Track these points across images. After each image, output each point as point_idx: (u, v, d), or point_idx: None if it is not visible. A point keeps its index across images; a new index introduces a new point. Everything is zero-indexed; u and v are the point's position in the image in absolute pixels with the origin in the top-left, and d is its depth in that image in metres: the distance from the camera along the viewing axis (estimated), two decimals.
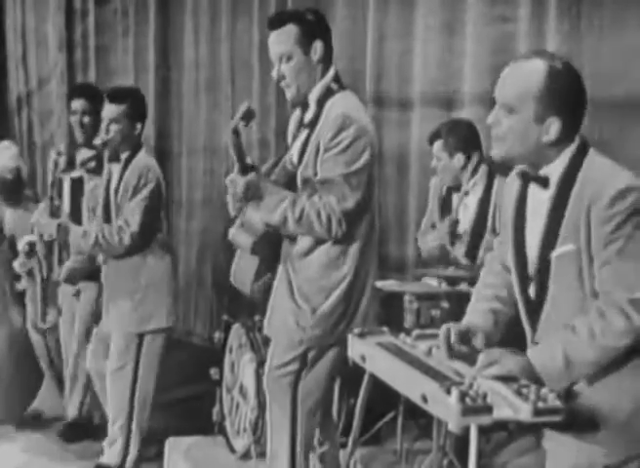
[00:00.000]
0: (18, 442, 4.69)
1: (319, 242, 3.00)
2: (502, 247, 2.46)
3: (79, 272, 4.48)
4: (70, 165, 4.53)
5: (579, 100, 2.23)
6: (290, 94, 3.06)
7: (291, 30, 2.99)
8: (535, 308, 2.28)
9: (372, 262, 3.09)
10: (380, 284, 3.88)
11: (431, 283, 3.92)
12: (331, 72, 3.05)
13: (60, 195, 4.48)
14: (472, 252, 3.96)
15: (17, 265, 4.61)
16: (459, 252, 3.99)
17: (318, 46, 3.00)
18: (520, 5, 4.11)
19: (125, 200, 4.03)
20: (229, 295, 5.82)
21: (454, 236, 3.98)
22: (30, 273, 4.64)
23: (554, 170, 2.22)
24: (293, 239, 3.06)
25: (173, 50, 6.76)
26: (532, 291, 2.29)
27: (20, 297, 4.98)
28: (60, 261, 4.48)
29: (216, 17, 6.31)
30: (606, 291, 2.12)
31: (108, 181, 4.19)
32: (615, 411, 2.14)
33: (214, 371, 4.19)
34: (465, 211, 4.02)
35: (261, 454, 3.64)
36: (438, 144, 3.97)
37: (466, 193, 3.99)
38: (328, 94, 3.02)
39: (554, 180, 2.22)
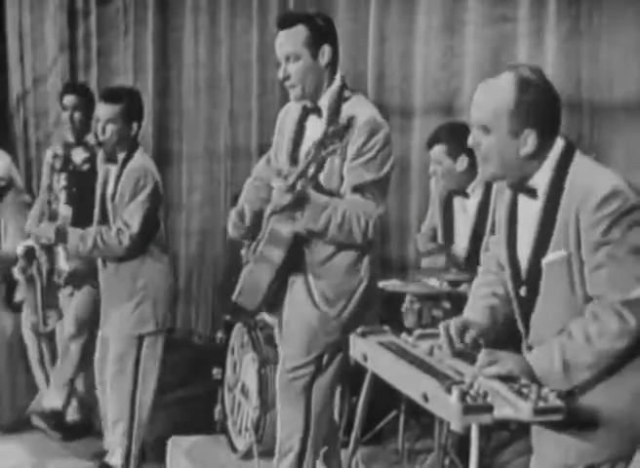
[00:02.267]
0: (18, 441, 4.69)
1: (340, 249, 3.05)
2: (497, 247, 2.48)
3: (81, 274, 4.48)
4: (65, 165, 4.50)
5: (552, 109, 2.23)
6: (294, 94, 3.07)
7: (300, 32, 3.01)
8: (527, 310, 2.31)
9: (376, 264, 3.16)
10: (381, 284, 3.89)
11: (433, 283, 3.92)
12: (338, 77, 3.07)
13: (57, 198, 4.46)
14: (473, 254, 3.97)
15: (16, 271, 4.60)
16: (459, 251, 4.01)
17: (326, 50, 3.02)
18: (520, 5, 4.11)
19: (122, 202, 3.99)
20: (230, 295, 5.81)
21: (451, 261, 3.99)
22: (30, 278, 4.63)
23: (541, 179, 2.24)
24: (311, 247, 3.08)
25: (172, 49, 6.76)
26: (524, 293, 2.31)
27: (11, 302, 4.96)
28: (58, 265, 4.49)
29: (215, 16, 6.31)
30: (599, 294, 2.14)
31: (105, 182, 4.15)
32: (609, 411, 2.15)
33: (216, 371, 4.19)
34: (465, 213, 4.02)
35: (263, 454, 3.65)
36: (439, 149, 3.93)
37: (467, 196, 3.99)
38: (340, 99, 3.04)
39: (542, 190, 2.24)
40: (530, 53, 4.02)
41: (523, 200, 2.31)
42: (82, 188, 4.40)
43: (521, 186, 2.28)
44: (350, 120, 2.90)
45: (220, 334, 4.19)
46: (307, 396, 3.12)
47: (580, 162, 2.23)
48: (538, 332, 2.27)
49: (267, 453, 3.56)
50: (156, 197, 4.05)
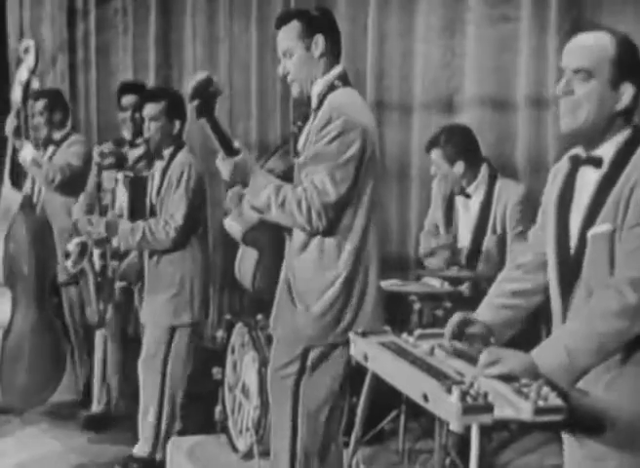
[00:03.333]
0: (20, 438, 4.73)
1: (311, 237, 2.97)
2: (538, 235, 2.41)
3: (135, 270, 4.53)
4: (120, 164, 4.55)
5: None
6: (294, 90, 3.07)
7: (294, 26, 3.00)
8: (568, 289, 2.23)
9: (372, 262, 3.03)
10: (382, 284, 3.89)
11: (434, 283, 3.93)
12: (337, 69, 3.04)
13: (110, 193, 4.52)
14: (474, 252, 3.97)
15: (69, 265, 4.65)
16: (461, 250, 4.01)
17: (319, 40, 3.00)
18: (521, 5, 4.11)
19: (169, 195, 4.16)
20: (230, 295, 5.82)
21: (454, 258, 3.99)
22: (82, 272, 4.69)
23: (608, 150, 2.19)
24: (292, 236, 3.04)
25: (173, 49, 6.77)
26: (569, 273, 2.23)
27: (56, 289, 5.07)
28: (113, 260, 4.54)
29: (215, 16, 6.31)
30: (616, 270, 2.09)
31: (152, 178, 4.31)
32: (625, 414, 2.11)
33: (216, 371, 4.20)
34: (467, 212, 4.02)
35: (264, 454, 3.65)
36: (436, 153, 3.95)
37: (468, 196, 3.99)
38: (330, 90, 3.02)
39: (607, 161, 2.18)
40: (531, 53, 4.02)
41: (582, 174, 2.25)
42: (137, 187, 4.48)
43: (583, 157, 2.23)
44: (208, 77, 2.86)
45: (220, 334, 4.20)
46: (295, 397, 3.05)
47: None
48: (578, 313, 2.18)
49: (268, 453, 3.55)
50: (199, 191, 4.22)
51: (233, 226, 3.18)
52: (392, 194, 4.85)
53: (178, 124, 4.24)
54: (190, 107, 2.95)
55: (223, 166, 2.94)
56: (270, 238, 3.09)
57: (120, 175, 4.51)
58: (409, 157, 4.75)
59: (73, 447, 4.64)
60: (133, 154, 4.68)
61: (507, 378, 2.09)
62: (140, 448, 4.26)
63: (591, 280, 2.16)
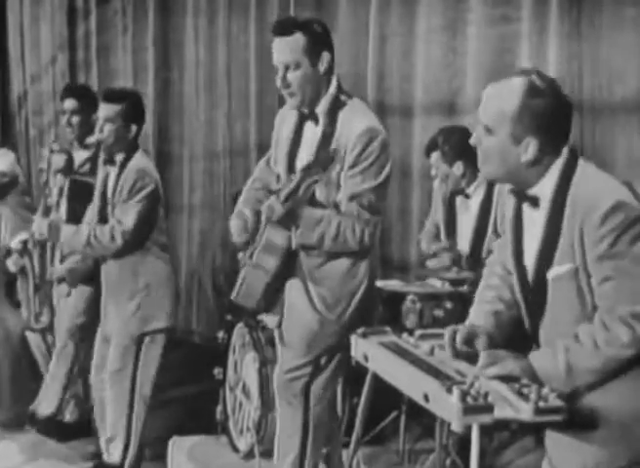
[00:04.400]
0: (17, 441, 4.69)
1: (337, 254, 3.05)
2: (503, 250, 2.46)
3: (79, 273, 4.47)
4: (68, 166, 4.51)
5: (559, 119, 2.19)
6: (294, 102, 3.06)
7: (299, 40, 2.99)
8: (535, 316, 2.29)
9: (376, 272, 3.24)
10: (383, 284, 3.90)
11: (434, 283, 3.93)
12: (334, 82, 3.07)
13: (56, 195, 4.47)
14: (475, 253, 3.97)
15: (9, 263, 4.61)
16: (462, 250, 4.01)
17: (325, 57, 3.02)
18: (522, 6, 4.11)
19: (119, 201, 3.98)
20: (230, 295, 5.82)
21: (456, 261, 3.99)
22: (23, 272, 4.62)
23: (544, 189, 2.21)
24: (308, 251, 3.08)
25: (173, 50, 6.77)
26: (532, 301, 2.29)
27: (14, 298, 4.97)
28: (52, 262, 4.48)
29: (214, 17, 6.32)
30: (608, 305, 2.12)
31: (105, 184, 4.14)
32: (626, 415, 2.14)
33: (217, 371, 4.19)
34: (467, 213, 4.03)
35: (265, 454, 3.65)
36: (435, 155, 3.97)
37: (468, 196, 3.99)
38: (337, 105, 3.04)
39: (545, 199, 2.21)
40: (531, 53, 4.02)
41: (527, 211, 2.29)
42: (81, 192, 4.40)
43: (523, 194, 2.27)
44: (335, 152, 2.95)
45: (221, 334, 4.20)
46: (306, 397, 3.12)
47: (584, 172, 2.20)
48: (548, 338, 2.25)
49: (269, 453, 3.56)
50: (154, 197, 4.03)
51: (264, 258, 3.14)
52: (393, 195, 4.85)
53: (134, 128, 4.02)
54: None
55: (273, 209, 2.97)
56: (287, 260, 3.12)
57: (59, 178, 4.43)
58: (410, 158, 4.75)
59: (43, 456, 4.56)
60: (79, 156, 4.58)
61: (507, 379, 2.10)
62: (110, 458, 4.17)
63: (557, 314, 2.22)
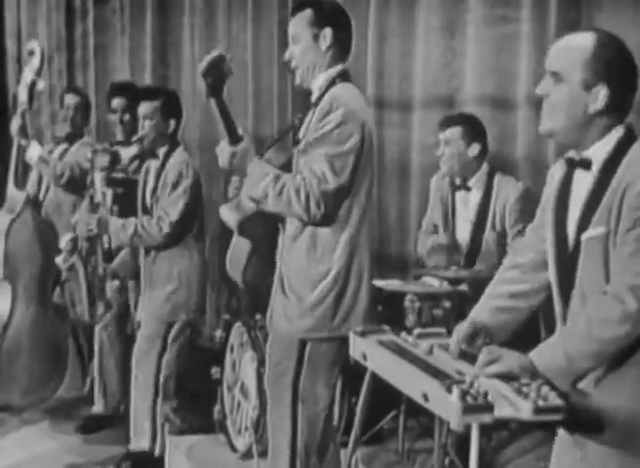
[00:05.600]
0: (17, 438, 4.73)
1: (304, 227, 2.96)
2: (537, 232, 2.41)
3: (130, 267, 4.55)
4: (113, 163, 4.56)
5: (627, 70, 2.18)
6: (298, 76, 3.07)
7: (306, 14, 3.01)
8: (568, 290, 2.22)
9: (365, 257, 3.01)
10: (381, 283, 3.89)
11: (433, 282, 3.92)
12: (339, 67, 3.05)
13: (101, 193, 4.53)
14: (473, 249, 3.98)
15: (59, 261, 4.66)
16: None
17: (327, 33, 3.00)
18: (521, 6, 4.11)
19: (164, 194, 4.14)
20: (228, 294, 5.82)
21: (453, 258, 3.99)
22: (72, 269, 4.69)
23: (598, 152, 2.19)
24: (285, 227, 3.04)
25: (170, 49, 6.77)
26: (567, 274, 2.22)
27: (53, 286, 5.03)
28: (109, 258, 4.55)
29: (212, 16, 6.31)
30: (614, 277, 2.08)
31: (146, 177, 4.31)
32: (628, 414, 2.10)
33: (215, 370, 4.20)
34: (466, 209, 4.02)
35: (263, 453, 3.64)
36: (455, 130, 3.93)
37: (468, 189, 3.99)
38: (330, 84, 3.02)
39: (598, 162, 2.18)
40: (531, 53, 4.02)
41: (577, 176, 2.25)
42: (128, 188, 4.50)
43: (575, 160, 2.23)
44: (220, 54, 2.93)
45: (219, 333, 4.20)
46: (294, 394, 3.04)
47: None
48: (575, 314, 2.19)
49: (267, 453, 3.55)
50: (196, 189, 4.22)
51: (229, 215, 3.17)
52: (392, 194, 4.85)
53: (173, 123, 4.24)
54: (202, 84, 2.94)
55: (222, 153, 2.94)
56: (265, 229, 3.08)
57: (102, 175, 4.48)
58: (409, 156, 4.75)
59: (69, 446, 4.65)
60: (126, 154, 4.67)
61: (506, 377, 2.09)
62: (138, 444, 4.25)
63: (585, 283, 2.17)
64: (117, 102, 4.86)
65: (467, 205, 4.02)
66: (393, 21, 4.76)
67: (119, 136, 4.85)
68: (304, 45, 3.02)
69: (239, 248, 3.14)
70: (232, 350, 4.13)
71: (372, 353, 2.44)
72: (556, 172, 2.35)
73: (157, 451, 4.25)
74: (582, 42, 2.17)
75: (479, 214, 3.96)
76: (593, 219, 2.15)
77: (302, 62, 3.03)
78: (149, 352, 4.22)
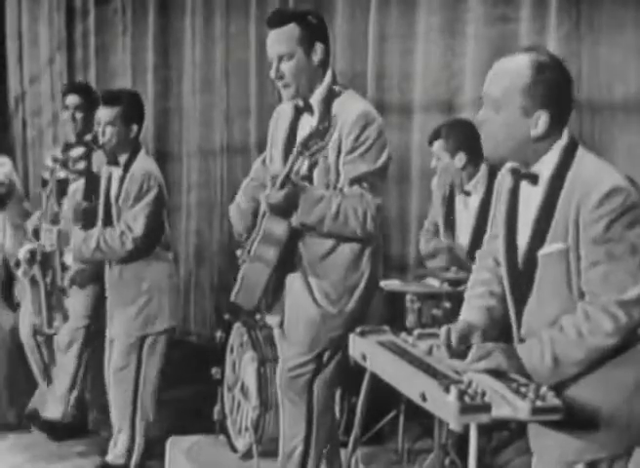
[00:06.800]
0: (16, 441, 4.69)
1: (337, 244, 3.04)
2: (493, 242, 2.46)
3: (87, 274, 4.49)
4: (63, 165, 4.54)
5: (566, 93, 2.21)
6: (288, 93, 3.07)
7: (293, 30, 3.01)
8: (521, 303, 2.29)
9: (380, 263, 3.15)
10: (382, 283, 3.89)
11: (433, 283, 3.92)
12: (329, 74, 3.07)
13: (58, 201, 4.49)
14: (474, 251, 3.97)
15: (19, 273, 4.63)
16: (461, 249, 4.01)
17: (319, 48, 3.02)
18: (521, 5, 4.11)
19: (126, 206, 4.01)
20: (228, 294, 5.81)
21: (453, 260, 3.99)
22: (33, 280, 4.64)
23: (544, 166, 2.22)
24: (307, 244, 3.08)
25: (172, 49, 6.76)
26: (519, 285, 2.28)
27: (9, 300, 5.01)
28: (63, 267, 4.50)
29: (213, 16, 6.31)
30: (593, 292, 2.13)
31: (108, 185, 4.17)
32: (607, 407, 2.15)
33: (215, 371, 4.19)
34: (467, 210, 4.02)
35: (263, 454, 3.64)
36: (439, 144, 3.97)
37: (468, 193, 3.99)
38: (331, 95, 3.04)
39: (544, 177, 2.21)
40: None
41: (524, 191, 2.28)
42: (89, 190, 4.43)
43: (521, 172, 2.26)
44: (331, 119, 2.93)
45: (219, 334, 4.19)
46: (309, 394, 3.11)
47: (584, 156, 2.21)
48: (530, 326, 2.26)
49: (267, 453, 3.56)
50: (160, 200, 4.08)
51: (264, 250, 3.12)
52: (392, 194, 4.84)
53: (135, 128, 4.09)
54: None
55: (273, 197, 2.95)
56: (285, 256, 3.10)
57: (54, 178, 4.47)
58: (409, 157, 4.75)
59: (43, 456, 4.55)
60: (75, 153, 4.63)
61: (496, 373, 2.10)
62: (115, 458, 4.21)
63: (545, 295, 2.21)
64: (70, 99, 4.72)
65: (468, 207, 4.02)
66: (393, 21, 4.76)
67: (70, 136, 4.73)
68: (298, 63, 3.02)
69: (252, 276, 3.12)
70: (232, 350, 4.13)
71: (371, 353, 2.44)
72: (503, 181, 2.38)
73: (133, 464, 4.20)
74: (520, 67, 2.19)
75: (480, 215, 3.96)
76: (548, 236, 2.18)
77: (298, 80, 3.03)
78: (125, 368, 4.13)
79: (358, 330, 2.57)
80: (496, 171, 3.95)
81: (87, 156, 4.50)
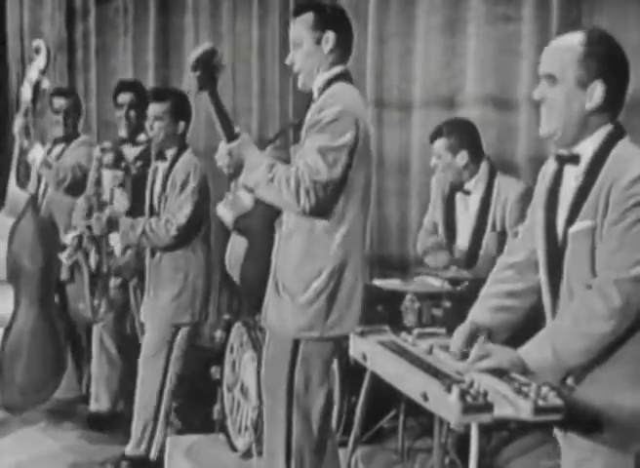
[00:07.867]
0: (15, 439, 4.72)
1: (300, 224, 2.94)
2: (529, 231, 2.42)
3: (133, 266, 4.55)
4: (117, 162, 4.57)
5: (621, 65, 2.21)
6: (300, 81, 3.07)
7: (307, 17, 3.01)
8: (555, 285, 2.24)
9: (359, 258, 3.00)
10: (381, 283, 3.89)
11: (433, 282, 3.92)
12: (339, 68, 3.04)
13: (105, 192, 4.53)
14: (474, 251, 3.97)
15: (63, 258, 4.65)
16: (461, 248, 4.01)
17: (330, 36, 2.99)
18: (523, 5, 4.11)
19: (172, 196, 4.15)
20: (228, 294, 5.82)
21: (453, 258, 3.99)
22: (78, 268, 4.69)
23: (587, 147, 2.21)
24: (281, 226, 3.03)
25: (173, 49, 6.76)
26: (556, 270, 2.24)
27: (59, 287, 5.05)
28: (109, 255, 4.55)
29: (216, 14, 6.31)
30: (598, 269, 2.11)
31: (154, 178, 4.30)
32: (615, 407, 2.12)
33: (214, 370, 4.20)
34: (466, 210, 4.02)
35: (263, 453, 3.64)
36: (440, 142, 3.96)
37: (468, 192, 3.99)
38: (329, 84, 3.01)
39: (586, 158, 2.21)
40: (532, 52, 4.01)
41: (567, 173, 2.27)
42: (135, 186, 4.52)
43: (565, 156, 2.25)
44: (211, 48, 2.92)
45: (219, 333, 4.20)
46: (289, 390, 2.99)
47: (628, 143, 2.21)
48: (563, 308, 2.21)
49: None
50: (204, 192, 4.22)
51: (225, 213, 3.16)
52: (392, 194, 4.84)
53: (182, 124, 4.25)
54: (192, 78, 2.93)
55: (219, 153, 2.92)
56: (262, 227, 3.06)
57: (119, 174, 4.52)
58: (409, 157, 4.75)
59: (70, 446, 4.64)
60: (131, 153, 4.69)
61: (496, 372, 2.10)
62: (134, 448, 4.24)
63: (571, 277, 2.19)
64: (123, 97, 4.84)
65: (468, 205, 4.01)
66: (393, 21, 4.76)
67: (122, 133, 4.85)
68: (307, 49, 3.01)
69: (237, 246, 3.14)
70: (232, 350, 4.12)
71: (372, 353, 2.44)
72: (547, 169, 2.38)
73: (153, 455, 4.23)
74: (573, 41, 2.20)
75: (479, 214, 3.96)
76: (580, 214, 2.17)
77: (305, 66, 3.02)
78: (156, 356, 4.21)
79: (358, 329, 2.56)
80: (495, 170, 3.98)
81: (144, 156, 4.56)
